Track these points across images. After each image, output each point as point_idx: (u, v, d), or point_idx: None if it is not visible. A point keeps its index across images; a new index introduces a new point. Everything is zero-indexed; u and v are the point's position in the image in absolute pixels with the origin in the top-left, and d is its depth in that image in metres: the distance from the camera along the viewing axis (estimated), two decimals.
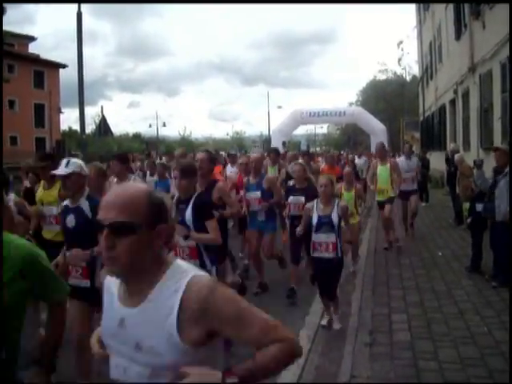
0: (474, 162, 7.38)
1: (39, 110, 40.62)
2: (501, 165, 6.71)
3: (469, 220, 7.60)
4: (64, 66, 42.34)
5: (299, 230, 5.52)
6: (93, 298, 3.26)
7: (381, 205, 9.11)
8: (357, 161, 18.18)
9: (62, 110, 42.71)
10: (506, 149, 6.75)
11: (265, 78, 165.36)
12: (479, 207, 7.10)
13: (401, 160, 10.41)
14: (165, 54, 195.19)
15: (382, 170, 9.04)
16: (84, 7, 12.62)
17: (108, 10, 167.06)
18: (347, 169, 8.40)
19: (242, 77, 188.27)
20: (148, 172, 10.27)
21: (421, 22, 26.81)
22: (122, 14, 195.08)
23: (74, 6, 12.94)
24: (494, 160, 6.95)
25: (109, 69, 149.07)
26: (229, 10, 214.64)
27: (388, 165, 9.05)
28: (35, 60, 40.66)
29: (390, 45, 46.74)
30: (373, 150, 32.57)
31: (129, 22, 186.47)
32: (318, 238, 5.17)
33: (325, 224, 5.12)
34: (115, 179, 5.77)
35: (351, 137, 51.07)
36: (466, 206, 9.22)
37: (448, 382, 3.99)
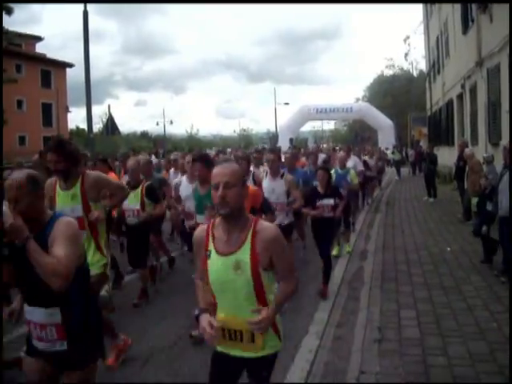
0: (485, 158, 7.37)
1: (47, 109, 40.78)
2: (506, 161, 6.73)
3: (484, 229, 7.13)
4: (71, 66, 42.52)
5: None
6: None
7: None
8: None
9: (70, 109, 42.97)
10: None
11: (271, 74, 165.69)
12: (490, 206, 7.00)
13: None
14: (170, 52, 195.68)
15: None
16: (89, 6, 12.65)
17: (113, 9, 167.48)
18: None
19: (249, 74, 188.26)
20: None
21: (427, 17, 26.65)
22: (127, 12, 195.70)
23: (79, 6, 13.03)
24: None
25: (115, 67, 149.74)
26: (233, 7, 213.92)
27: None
28: (42, 60, 40.81)
29: (397, 40, 46.89)
30: (380, 145, 32.64)
31: (134, 21, 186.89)
32: None
33: None
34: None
35: (358, 133, 50.92)
36: (475, 201, 9.19)
37: (457, 378, 3.98)
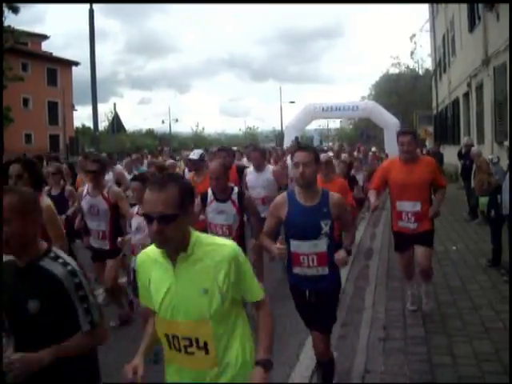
0: (491, 160, 7.37)
1: (53, 107, 40.92)
2: None
3: (492, 213, 7.26)
4: (76, 64, 42.64)
5: None
6: None
7: None
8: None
9: (75, 108, 43.12)
10: None
11: (274, 73, 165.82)
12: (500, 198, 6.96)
13: None
14: (174, 50, 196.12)
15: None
16: (93, 5, 12.64)
17: (116, 9, 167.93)
18: None
19: (252, 72, 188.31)
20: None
21: (434, 15, 26.52)
22: (130, 12, 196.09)
23: (84, 6, 13.13)
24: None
25: (119, 66, 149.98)
26: (236, 6, 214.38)
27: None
28: (48, 58, 40.97)
29: (403, 38, 46.57)
30: (386, 145, 32.46)
31: (137, 20, 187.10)
32: None
33: None
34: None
35: (364, 131, 50.74)
36: (482, 200, 9.15)
37: (462, 377, 3.97)
